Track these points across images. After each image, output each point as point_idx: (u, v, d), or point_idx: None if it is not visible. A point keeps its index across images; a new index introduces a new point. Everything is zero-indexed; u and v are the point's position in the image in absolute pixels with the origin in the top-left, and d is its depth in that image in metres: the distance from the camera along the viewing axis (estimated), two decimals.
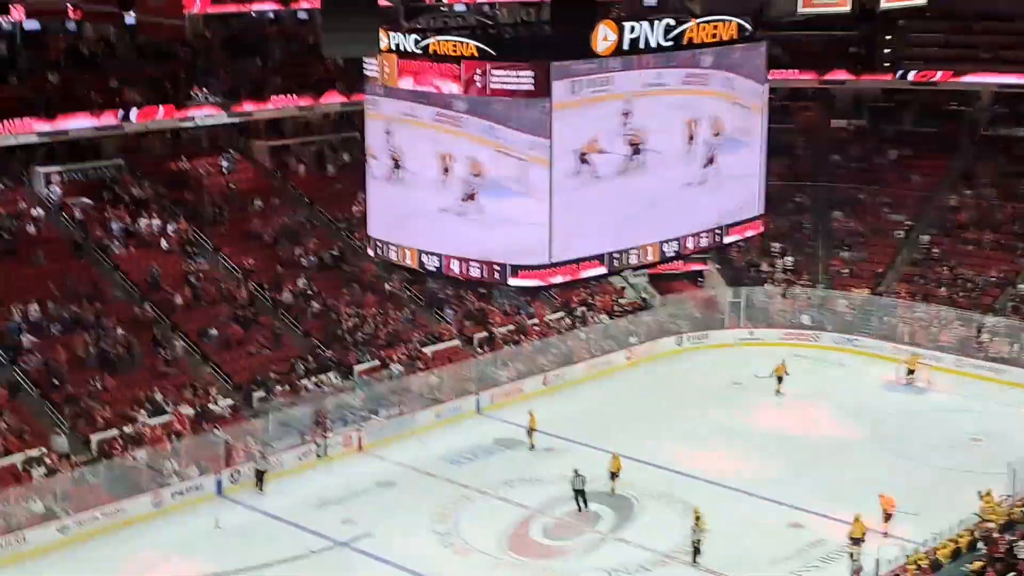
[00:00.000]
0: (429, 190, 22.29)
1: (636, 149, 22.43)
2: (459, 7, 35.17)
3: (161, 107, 37.67)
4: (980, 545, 26.00)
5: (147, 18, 35.63)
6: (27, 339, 33.42)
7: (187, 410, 32.94)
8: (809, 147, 50.44)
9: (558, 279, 22.51)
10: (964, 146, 49.62)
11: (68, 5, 35.87)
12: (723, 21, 23.31)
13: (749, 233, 25.95)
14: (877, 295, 44.46)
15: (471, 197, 21.75)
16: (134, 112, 37.02)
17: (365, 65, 23.16)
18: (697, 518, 27.90)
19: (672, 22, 22.43)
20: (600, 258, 22.52)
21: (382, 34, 21.28)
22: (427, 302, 40.74)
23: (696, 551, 27.81)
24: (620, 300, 43.99)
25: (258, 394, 34.56)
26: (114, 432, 31.48)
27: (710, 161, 24.00)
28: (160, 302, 36.46)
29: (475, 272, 22.23)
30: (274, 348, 36.59)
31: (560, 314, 42.11)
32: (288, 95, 40.82)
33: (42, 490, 29.20)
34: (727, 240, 25.31)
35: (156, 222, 39.06)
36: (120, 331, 34.70)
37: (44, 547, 28.44)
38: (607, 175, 22.06)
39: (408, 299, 40.61)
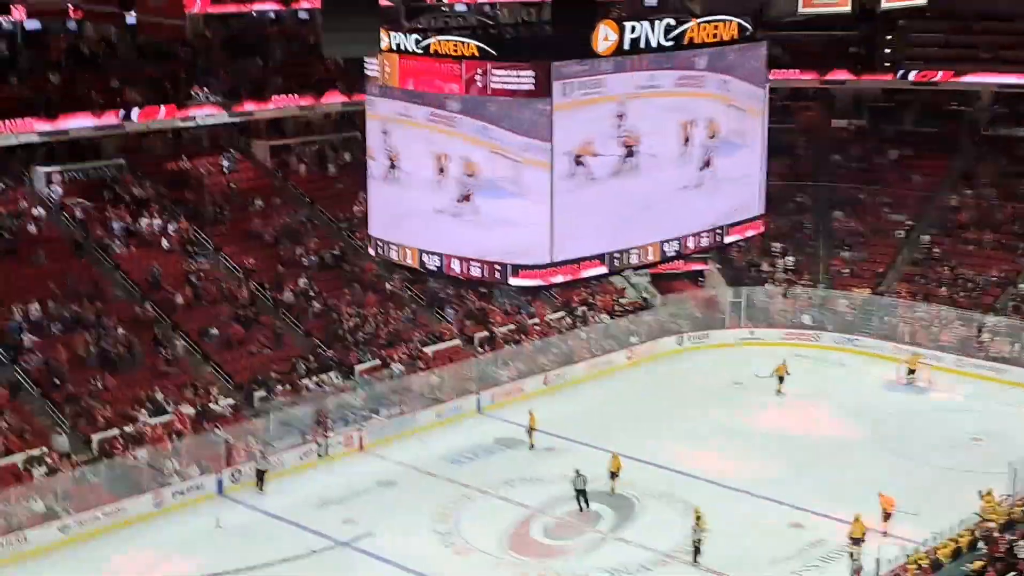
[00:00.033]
0: (425, 190, 22.26)
1: (630, 151, 22.36)
2: (460, 7, 35.10)
3: (162, 107, 37.68)
4: (980, 545, 26.00)
5: (148, 18, 35.51)
6: (28, 338, 33.42)
7: (188, 409, 32.94)
8: (810, 147, 50.41)
9: (559, 279, 22.46)
10: (964, 146, 49.58)
11: (69, 5, 35.84)
12: (723, 21, 23.29)
13: (750, 233, 25.94)
14: (878, 295, 44.43)
15: (467, 198, 21.71)
16: (135, 112, 37.04)
17: (366, 65, 23.15)
18: (698, 518, 27.90)
19: (673, 22, 22.41)
20: (601, 258, 22.47)
21: (383, 34, 21.27)
22: (428, 302, 40.75)
23: (696, 551, 27.81)
24: (621, 300, 43.98)
25: (259, 394, 34.57)
26: (115, 431, 31.50)
27: (707, 164, 23.94)
28: (161, 302, 36.46)
29: (476, 272, 22.19)
30: (275, 348, 36.60)
31: (561, 314, 42.10)
32: (289, 95, 40.83)
33: (43, 489, 29.19)
34: (728, 240, 25.28)
35: (157, 222, 39.06)
36: (121, 331, 34.70)
37: (45, 547, 28.44)
38: (602, 177, 21.99)
39: (409, 299, 40.61)
